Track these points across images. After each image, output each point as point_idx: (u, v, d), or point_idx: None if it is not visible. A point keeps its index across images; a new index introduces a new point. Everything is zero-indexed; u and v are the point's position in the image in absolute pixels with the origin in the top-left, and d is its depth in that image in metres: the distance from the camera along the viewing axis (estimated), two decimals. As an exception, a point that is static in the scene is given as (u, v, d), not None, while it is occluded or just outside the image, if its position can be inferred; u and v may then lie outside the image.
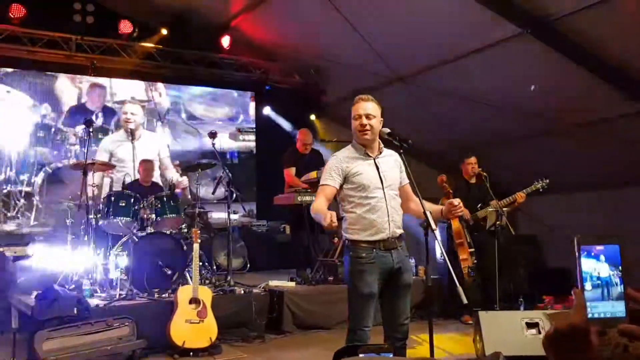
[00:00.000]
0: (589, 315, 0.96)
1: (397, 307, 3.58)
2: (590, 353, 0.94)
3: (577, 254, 0.99)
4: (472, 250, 3.59)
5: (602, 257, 0.98)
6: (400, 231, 3.62)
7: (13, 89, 8.22)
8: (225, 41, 9.15)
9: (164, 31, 8.81)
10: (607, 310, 0.97)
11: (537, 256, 9.82)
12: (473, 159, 7.22)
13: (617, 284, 0.97)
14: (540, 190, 6.76)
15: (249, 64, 9.57)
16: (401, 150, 3.54)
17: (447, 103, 8.33)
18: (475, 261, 3.58)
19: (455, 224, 3.63)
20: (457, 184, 7.36)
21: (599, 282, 0.98)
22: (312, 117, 9.81)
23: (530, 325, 5.03)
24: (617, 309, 0.97)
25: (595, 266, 0.98)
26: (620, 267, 0.98)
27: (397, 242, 3.60)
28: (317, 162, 7.48)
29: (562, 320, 0.95)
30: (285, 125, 10.00)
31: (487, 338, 4.86)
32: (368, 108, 3.59)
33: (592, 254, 0.98)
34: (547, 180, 6.73)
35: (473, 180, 7.26)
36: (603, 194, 8.68)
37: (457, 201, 3.54)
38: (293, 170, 7.43)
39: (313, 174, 7.08)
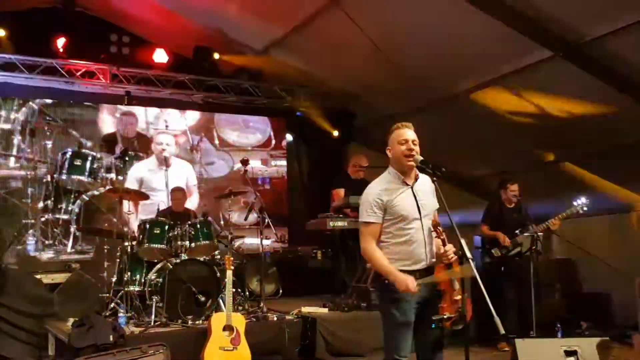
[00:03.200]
0: None
1: (432, 337, 3.53)
2: None
3: (639, 295, 0.95)
4: (458, 298, 3.48)
5: None
6: (434, 260, 3.60)
7: (51, 119, 8.43)
8: (256, 69, 9.29)
9: (216, 55, 8.97)
10: None
11: (574, 280, 9.63)
12: (516, 186, 7.17)
13: None
14: (580, 212, 6.65)
15: (280, 90, 9.67)
16: (434, 179, 3.51)
17: (481, 127, 8.28)
18: (459, 310, 3.46)
19: (439, 271, 3.57)
20: (496, 209, 7.31)
21: None
22: (335, 133, 9.82)
23: (569, 353, 4.92)
24: None
25: None
26: None
27: (433, 269, 3.58)
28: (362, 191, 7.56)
29: None
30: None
31: (524, 367, 4.77)
32: (413, 135, 3.60)
33: None
34: (587, 201, 6.62)
35: (511, 205, 7.19)
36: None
37: (448, 247, 3.51)
38: (342, 191, 7.50)
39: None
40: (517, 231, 7.00)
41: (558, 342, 5.28)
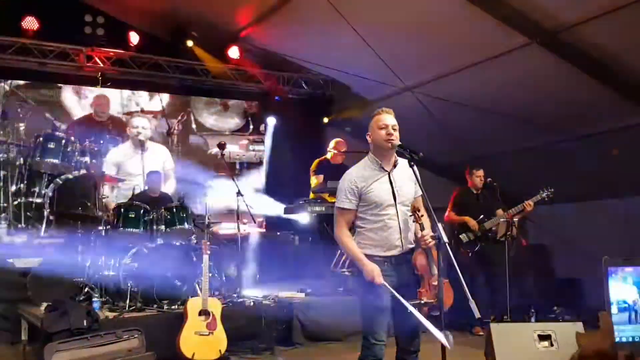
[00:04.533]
0: (617, 340, 0.94)
1: (410, 320, 3.54)
2: None
3: (604, 276, 0.97)
4: (437, 283, 3.50)
5: (629, 280, 0.96)
6: (412, 245, 3.60)
7: (25, 101, 8.27)
8: (234, 52, 9.18)
9: (190, 43, 8.85)
10: (635, 334, 0.95)
11: (547, 266, 9.77)
12: (481, 172, 7.23)
13: None
14: (546, 199, 6.74)
15: (259, 74, 9.59)
16: (412, 163, 3.51)
17: (456, 113, 8.31)
18: (437, 296, 3.49)
19: (417, 256, 3.60)
20: (463, 195, 7.37)
21: (625, 305, 0.96)
22: (325, 120, 9.80)
23: (543, 337, 4.97)
24: None
25: (622, 289, 0.96)
26: None
27: (409, 255, 3.59)
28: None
29: (588, 345, 0.93)
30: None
31: (499, 351, 4.81)
32: (393, 120, 3.59)
33: (619, 277, 0.96)
34: (552, 190, 6.71)
35: (478, 191, 7.26)
36: (612, 202, 8.64)
37: (426, 232, 3.52)
38: (321, 177, 7.51)
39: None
40: (482, 217, 7.06)
41: (532, 326, 5.33)
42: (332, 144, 7.82)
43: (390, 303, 3.50)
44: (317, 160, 7.95)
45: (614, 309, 0.86)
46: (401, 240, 3.54)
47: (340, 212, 3.60)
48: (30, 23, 7.94)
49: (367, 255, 3.52)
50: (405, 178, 3.64)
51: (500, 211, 6.98)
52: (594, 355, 0.89)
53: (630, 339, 0.84)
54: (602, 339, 0.89)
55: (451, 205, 7.37)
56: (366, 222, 3.56)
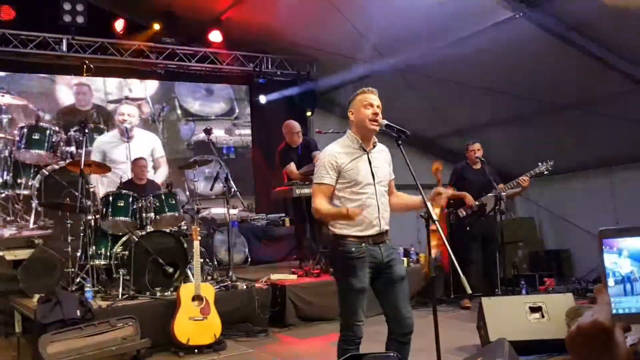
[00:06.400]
0: (614, 312, 0.95)
1: (397, 301, 3.54)
2: (615, 353, 0.92)
3: (599, 248, 0.97)
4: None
5: (624, 252, 0.96)
6: (388, 227, 3.59)
7: (6, 92, 8.16)
8: (216, 36, 9.10)
9: (157, 26, 8.74)
10: (632, 305, 0.95)
11: (536, 238, 9.87)
12: (477, 145, 7.21)
13: None
14: (545, 172, 6.71)
15: (242, 57, 9.53)
16: (399, 142, 3.50)
17: (442, 89, 8.31)
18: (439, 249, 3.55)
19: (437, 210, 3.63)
20: (462, 171, 7.37)
21: (621, 277, 0.96)
22: (308, 113, 9.79)
23: (534, 309, 5.04)
24: None
25: (617, 261, 0.96)
26: None
27: (385, 236, 3.58)
28: (310, 150, 7.52)
29: (585, 319, 0.93)
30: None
31: (490, 325, 4.87)
32: (377, 100, 3.57)
33: (614, 248, 0.96)
34: (552, 162, 6.67)
35: (477, 166, 7.25)
36: (598, 173, 8.71)
37: (442, 189, 3.53)
38: (292, 165, 7.44)
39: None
40: (483, 193, 7.08)
41: (523, 299, 5.41)
42: (285, 129, 7.74)
43: (368, 284, 3.51)
44: (280, 153, 7.79)
45: (610, 282, 0.86)
46: (379, 220, 3.52)
47: (319, 187, 3.54)
48: (6, 12, 7.80)
49: (342, 236, 3.50)
50: (382, 160, 3.64)
51: (501, 185, 6.92)
52: (591, 328, 0.88)
53: (627, 311, 0.84)
54: (599, 312, 0.89)
55: (450, 180, 7.41)
56: (344, 200, 3.51)
